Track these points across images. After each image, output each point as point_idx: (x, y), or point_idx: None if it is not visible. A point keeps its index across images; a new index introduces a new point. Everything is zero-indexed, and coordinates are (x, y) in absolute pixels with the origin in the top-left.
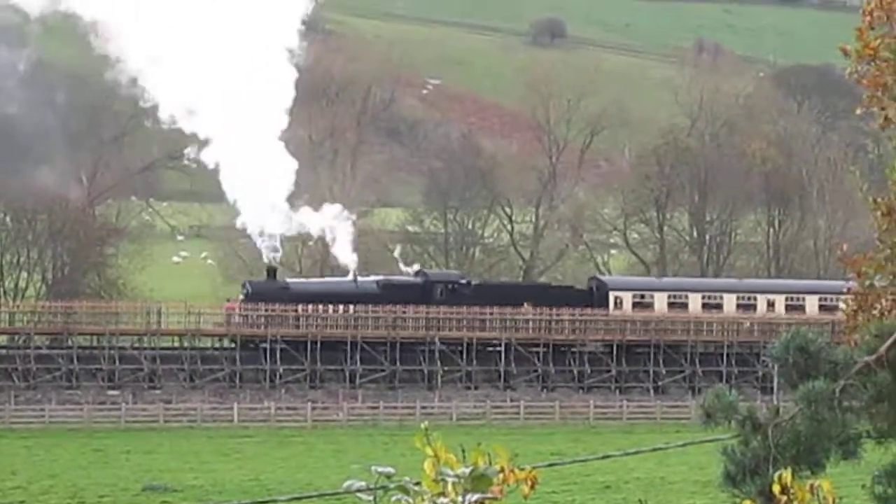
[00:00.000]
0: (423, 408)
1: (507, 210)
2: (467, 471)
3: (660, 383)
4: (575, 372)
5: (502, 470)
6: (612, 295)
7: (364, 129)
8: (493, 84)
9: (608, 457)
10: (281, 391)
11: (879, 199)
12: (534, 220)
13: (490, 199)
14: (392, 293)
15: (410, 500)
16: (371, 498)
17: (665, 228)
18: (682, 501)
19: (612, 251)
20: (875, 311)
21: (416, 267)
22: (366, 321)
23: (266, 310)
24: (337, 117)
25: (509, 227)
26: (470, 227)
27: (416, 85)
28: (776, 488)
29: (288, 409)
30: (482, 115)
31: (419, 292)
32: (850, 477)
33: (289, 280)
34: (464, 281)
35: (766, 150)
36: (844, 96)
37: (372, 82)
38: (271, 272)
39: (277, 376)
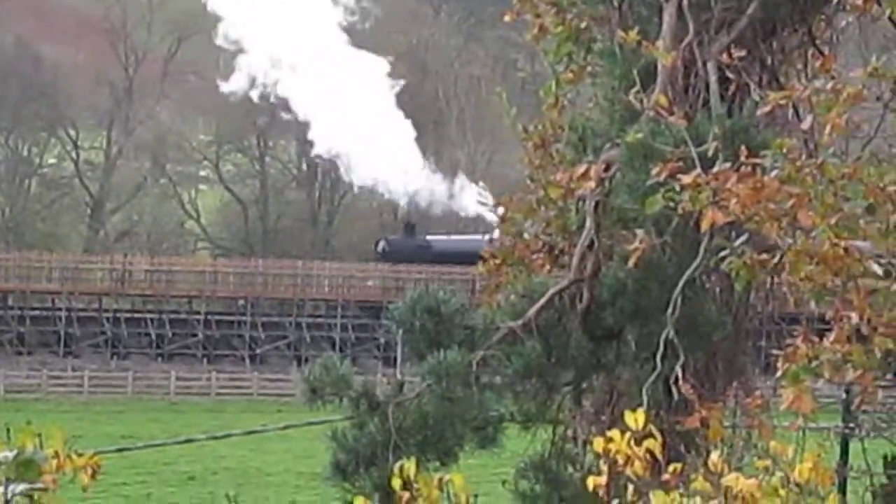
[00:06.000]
0: None
1: (72, 133)
2: (11, 455)
3: (258, 351)
4: (153, 336)
5: (56, 455)
6: None
7: None
8: None
9: (192, 441)
10: None
11: (532, 128)
12: (105, 146)
13: (51, 120)
14: None
15: None
16: None
17: (267, 159)
18: (283, 498)
19: (202, 186)
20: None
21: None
22: None
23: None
24: None
25: (74, 154)
26: (25, 153)
27: None
28: (396, 482)
29: None
30: (42, 16)
31: None
32: (491, 470)
33: (429, 237)
34: None
35: (393, 65)
36: (492, 0)
37: None
38: (409, 227)
39: None
